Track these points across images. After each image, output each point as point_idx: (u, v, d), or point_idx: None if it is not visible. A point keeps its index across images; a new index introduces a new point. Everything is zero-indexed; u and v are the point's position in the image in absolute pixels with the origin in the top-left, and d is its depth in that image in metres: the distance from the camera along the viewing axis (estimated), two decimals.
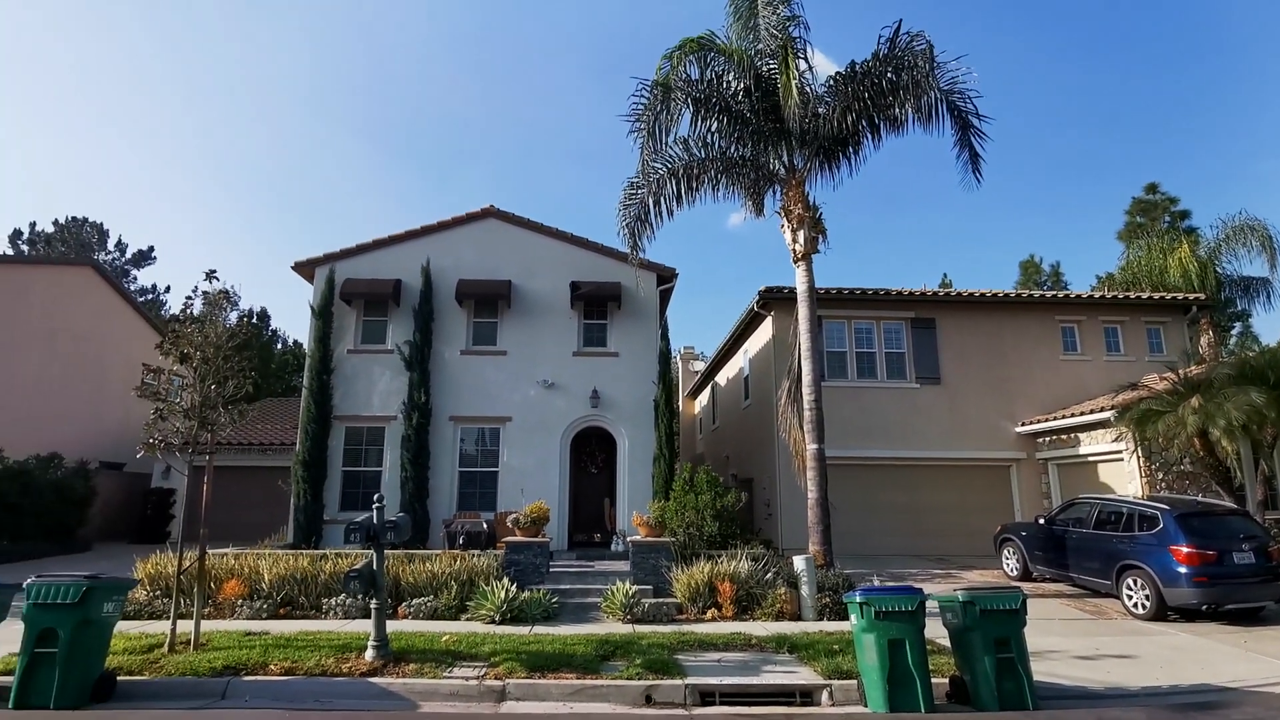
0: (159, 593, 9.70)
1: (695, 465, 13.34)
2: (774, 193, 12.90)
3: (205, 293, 8.69)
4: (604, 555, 13.39)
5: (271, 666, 6.83)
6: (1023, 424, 16.15)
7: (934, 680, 6.29)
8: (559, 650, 7.54)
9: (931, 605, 6.53)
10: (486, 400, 15.13)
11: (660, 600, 9.93)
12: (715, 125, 12.52)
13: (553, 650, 7.53)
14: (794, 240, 12.27)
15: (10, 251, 35.87)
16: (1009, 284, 38.53)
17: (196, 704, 6.27)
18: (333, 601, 9.68)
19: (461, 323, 15.56)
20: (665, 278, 15.81)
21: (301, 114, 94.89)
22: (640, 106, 11.90)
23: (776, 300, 16.13)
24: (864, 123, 11.95)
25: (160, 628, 8.22)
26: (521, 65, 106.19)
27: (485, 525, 13.07)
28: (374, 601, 7.24)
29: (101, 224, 40.57)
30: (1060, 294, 17.36)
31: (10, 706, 5.91)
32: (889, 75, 11.54)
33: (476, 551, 11.22)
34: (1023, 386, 16.49)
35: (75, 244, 38.80)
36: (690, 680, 6.77)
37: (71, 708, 5.94)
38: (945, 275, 46.92)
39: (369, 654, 7.14)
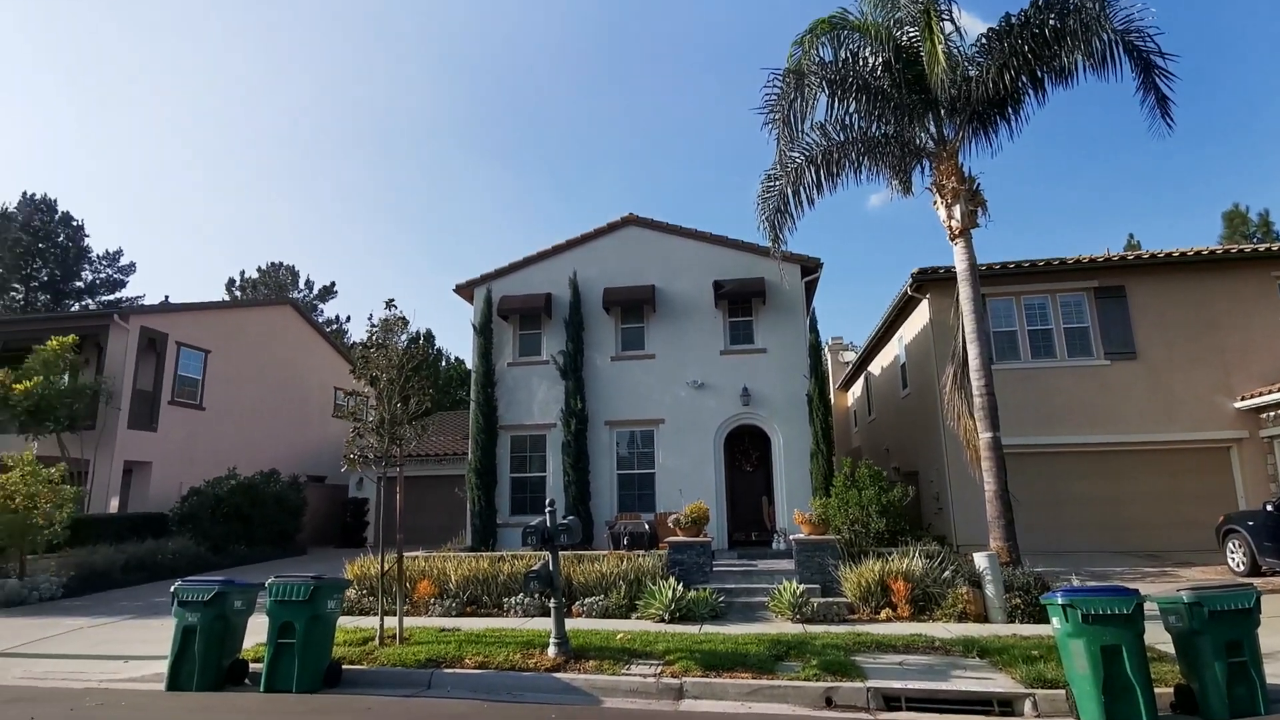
0: (365, 591, 10.81)
1: (853, 459, 12.84)
2: (922, 168, 12.15)
3: (385, 319, 9.59)
4: (765, 554, 13.24)
5: (466, 660, 7.38)
6: (1242, 398, 14.02)
7: (1155, 690, 5.62)
8: (731, 649, 7.54)
9: (1149, 607, 5.84)
10: (638, 403, 15.49)
11: (830, 600, 9.67)
12: (853, 105, 11.99)
13: (725, 649, 7.54)
14: (949, 216, 11.48)
15: (227, 297, 41.65)
16: (1211, 241, 33.66)
17: (408, 692, 6.92)
18: (513, 600, 10.31)
19: (610, 329, 16.04)
20: (810, 269, 15.39)
21: (443, 145, 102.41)
22: (772, 97, 11.65)
23: (932, 281, 15.17)
24: (1024, 79, 10.94)
25: (369, 623, 9.15)
26: (640, 72, 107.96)
27: (647, 526, 13.36)
28: (552, 601, 7.62)
29: (294, 266, 46.07)
30: (1278, 246, 14.87)
31: (262, 690, 6.86)
32: (1051, 22, 10.49)
33: (640, 552, 11.49)
34: (1240, 356, 14.31)
35: (274, 285, 44.33)
36: (872, 683, 6.51)
37: (309, 691, 6.77)
38: (1131, 236, 41.82)
39: (551, 651, 7.51)
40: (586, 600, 10.15)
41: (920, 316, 16.31)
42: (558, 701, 6.57)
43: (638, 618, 9.70)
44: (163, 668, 7.26)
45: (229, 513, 17.32)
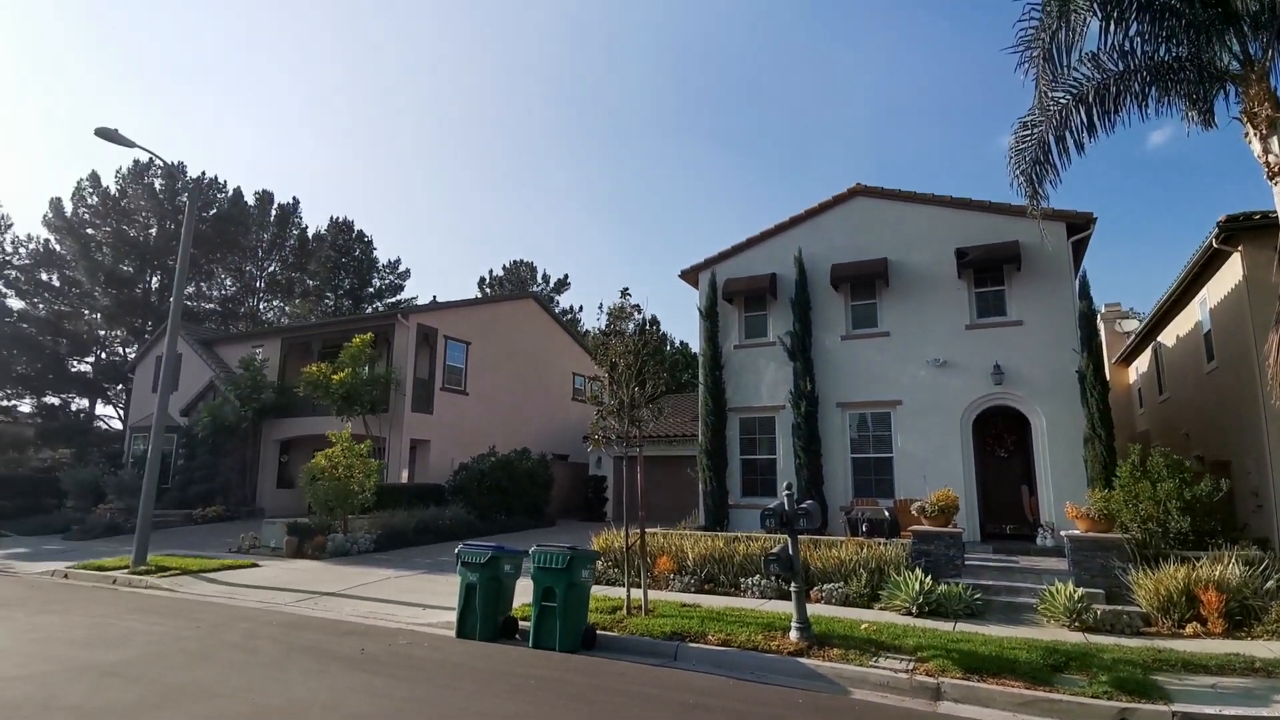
0: (610, 563, 11.55)
1: (1141, 445, 10.91)
2: (1226, 95, 9.88)
3: (620, 306, 10.08)
4: (1027, 550, 11.84)
5: (709, 637, 7.54)
6: None
7: None
8: (995, 653, 6.84)
9: None
10: (872, 384, 14.66)
11: (1117, 608, 8.39)
12: (1134, 28, 10.09)
13: (987, 652, 6.86)
14: (1265, 150, 9.18)
15: (479, 294, 46.97)
16: None
17: (656, 661, 7.26)
18: (749, 581, 10.36)
19: (839, 308, 15.35)
20: (1078, 225, 13.35)
21: (659, 134, 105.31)
22: (1029, 32, 10.19)
23: (1245, 231, 12.29)
24: None
25: (616, 593, 9.76)
26: (863, 29, 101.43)
27: (886, 513, 12.64)
28: (792, 585, 7.51)
29: (532, 262, 50.59)
30: None
31: (530, 646, 7.63)
32: None
33: (880, 540, 10.92)
34: None
35: (517, 281, 49.06)
36: (1179, 707, 5.55)
37: (570, 651, 7.40)
38: None
39: (793, 635, 7.41)
40: (825, 587, 9.89)
41: (1230, 274, 13.37)
42: (803, 687, 6.47)
43: (880, 608, 9.27)
44: (451, 617, 8.41)
45: (491, 486, 19.61)
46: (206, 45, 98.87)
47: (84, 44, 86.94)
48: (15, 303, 35.99)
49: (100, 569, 12.83)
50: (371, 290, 45.63)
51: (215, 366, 25.32)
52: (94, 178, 37.88)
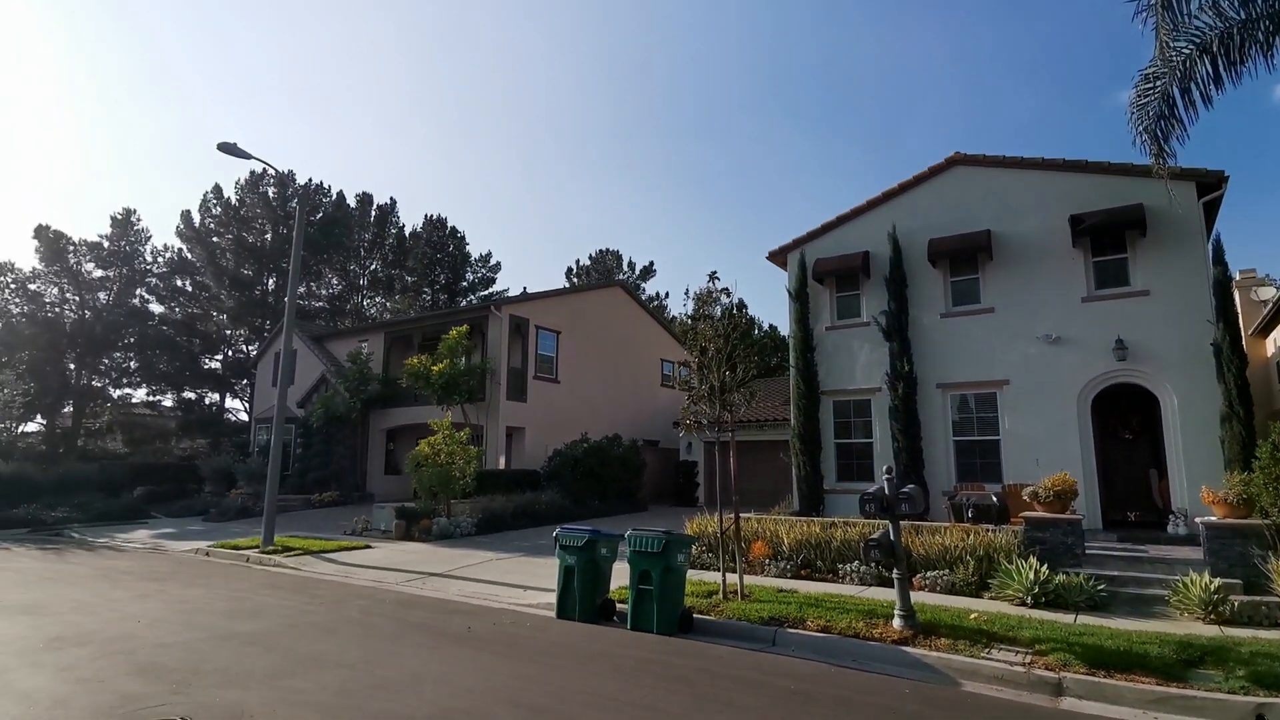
0: (704, 548, 11.55)
1: None
2: None
3: (710, 290, 9.99)
4: (1157, 538, 10.98)
5: (808, 623, 7.42)
6: None
7: None
8: (1122, 647, 6.39)
9: None
10: (975, 364, 13.93)
11: (1256, 599, 7.73)
12: None
13: (1114, 646, 6.42)
14: None
15: (567, 284, 47.83)
16: None
17: (754, 646, 7.21)
18: (847, 567, 10.12)
19: (938, 284, 14.64)
20: (1208, 185, 12.15)
21: (745, 115, 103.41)
22: None
23: None
24: None
25: (710, 577, 9.75)
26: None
27: (994, 498, 12.00)
28: (895, 572, 7.27)
29: (617, 251, 51.04)
30: None
31: (629, 628, 7.75)
32: None
33: (988, 526, 10.42)
34: None
35: (603, 270, 49.63)
36: None
37: (667, 634, 7.47)
38: None
39: (896, 622, 7.18)
40: (928, 574, 9.54)
41: None
42: (909, 676, 6.26)
43: (990, 598, 8.84)
44: (550, 598, 8.66)
45: (584, 472, 20.00)
46: (311, 64, 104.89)
47: (203, 64, 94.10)
48: (156, 307, 39.70)
49: (235, 548, 14.01)
50: (465, 284, 47.31)
51: (326, 361, 27.00)
52: (216, 190, 41.07)
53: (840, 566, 10.26)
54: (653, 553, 7.68)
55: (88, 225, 75.31)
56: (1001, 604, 8.50)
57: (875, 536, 7.39)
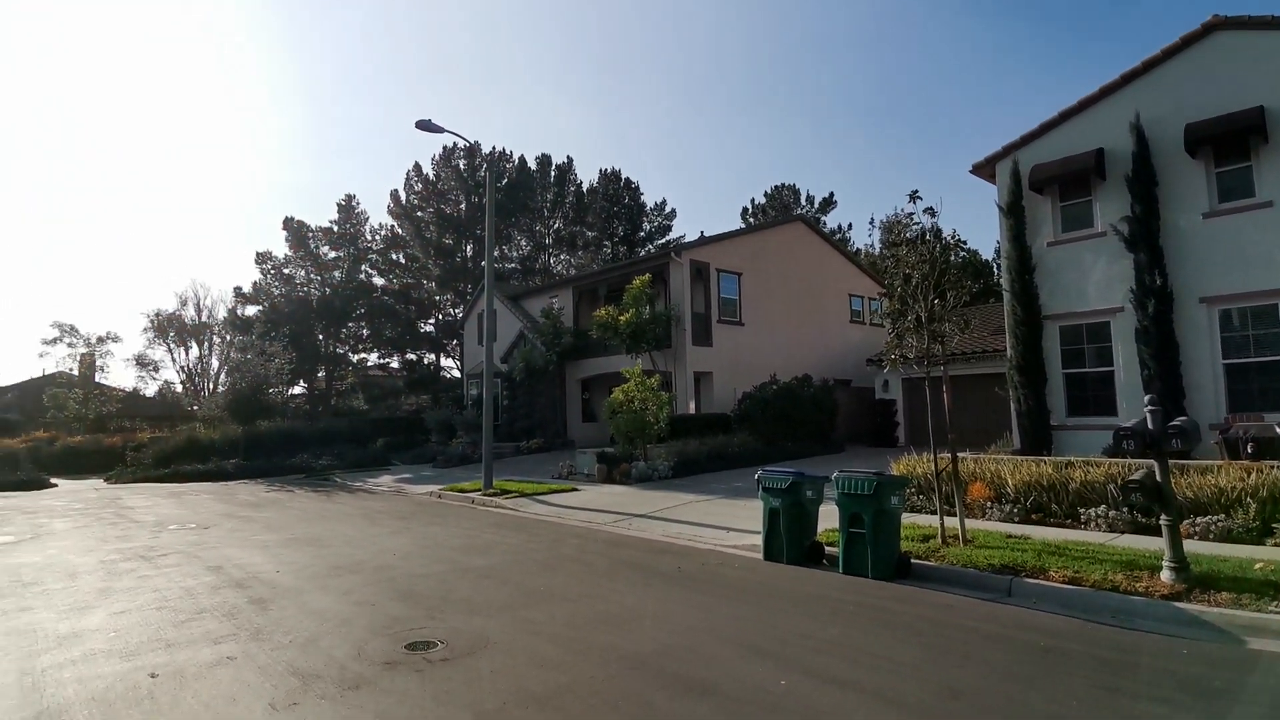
0: (913, 490, 10.83)
1: None
2: None
3: (912, 213, 9.03)
4: None
5: (1051, 573, 6.62)
6: None
7: None
8: None
9: None
10: (1249, 271, 11.49)
11: None
12: None
13: None
14: None
15: (743, 225, 46.77)
16: None
17: (985, 595, 6.59)
18: (1091, 512, 8.94)
19: (1198, 178, 12.17)
20: None
21: (930, 13, 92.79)
22: None
23: None
24: None
25: (924, 521, 9.11)
26: None
27: (1278, 429, 9.98)
28: (1164, 518, 6.22)
29: (794, 185, 48.84)
30: None
31: (840, 571, 7.45)
32: None
33: (1273, 463, 8.68)
34: None
35: (779, 206, 47.82)
36: None
37: (884, 579, 7.07)
38: None
39: (1165, 575, 6.18)
40: (1198, 520, 8.14)
41: None
42: (1182, 635, 5.37)
43: (1275, 544, 7.40)
44: (755, 540, 8.57)
45: (775, 414, 19.64)
46: (497, 44, 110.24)
47: (391, 52, 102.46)
48: (378, 280, 44.88)
49: (461, 490, 15.59)
50: (643, 234, 48.03)
51: (522, 318, 28.85)
52: (416, 167, 45.02)
53: (1081, 511, 9.09)
54: (864, 495, 7.26)
55: (319, 213, 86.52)
56: None
57: (1136, 477, 6.36)
